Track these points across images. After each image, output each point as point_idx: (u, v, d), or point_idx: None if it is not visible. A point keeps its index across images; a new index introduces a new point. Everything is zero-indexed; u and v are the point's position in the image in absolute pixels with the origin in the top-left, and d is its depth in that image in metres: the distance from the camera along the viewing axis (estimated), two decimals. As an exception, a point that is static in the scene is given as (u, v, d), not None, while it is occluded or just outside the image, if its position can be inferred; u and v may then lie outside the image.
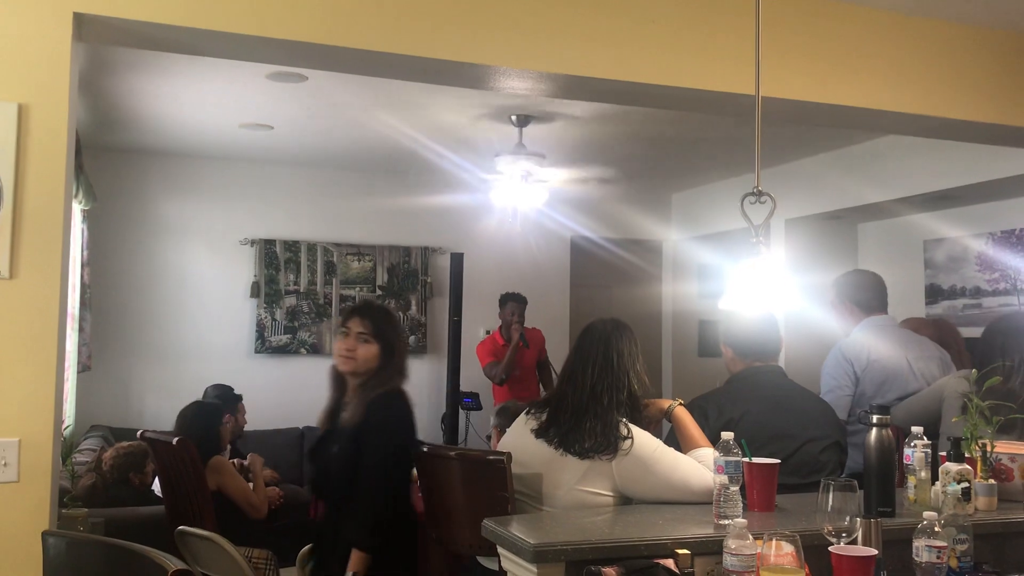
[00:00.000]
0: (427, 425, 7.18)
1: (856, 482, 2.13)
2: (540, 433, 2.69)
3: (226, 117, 5.63)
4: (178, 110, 5.46)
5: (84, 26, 2.69)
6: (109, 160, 6.50)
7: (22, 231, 2.52)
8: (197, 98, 5.20)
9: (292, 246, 7.08)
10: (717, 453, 2.36)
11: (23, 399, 2.50)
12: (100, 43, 2.98)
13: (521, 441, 2.74)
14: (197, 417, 4.30)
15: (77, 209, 5.25)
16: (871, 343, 3.83)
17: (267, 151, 6.61)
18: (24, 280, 2.52)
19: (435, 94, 4.91)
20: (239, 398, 5.34)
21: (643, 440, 2.59)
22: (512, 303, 6.59)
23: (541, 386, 6.73)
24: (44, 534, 1.88)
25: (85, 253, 5.51)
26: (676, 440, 2.79)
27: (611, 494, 2.58)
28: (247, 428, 5.57)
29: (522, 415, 2.83)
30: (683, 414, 2.80)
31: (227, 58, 3.14)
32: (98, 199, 5.76)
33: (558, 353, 6.62)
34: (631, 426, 2.61)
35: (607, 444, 2.57)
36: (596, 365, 2.70)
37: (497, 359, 6.48)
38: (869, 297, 3.98)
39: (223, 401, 5.01)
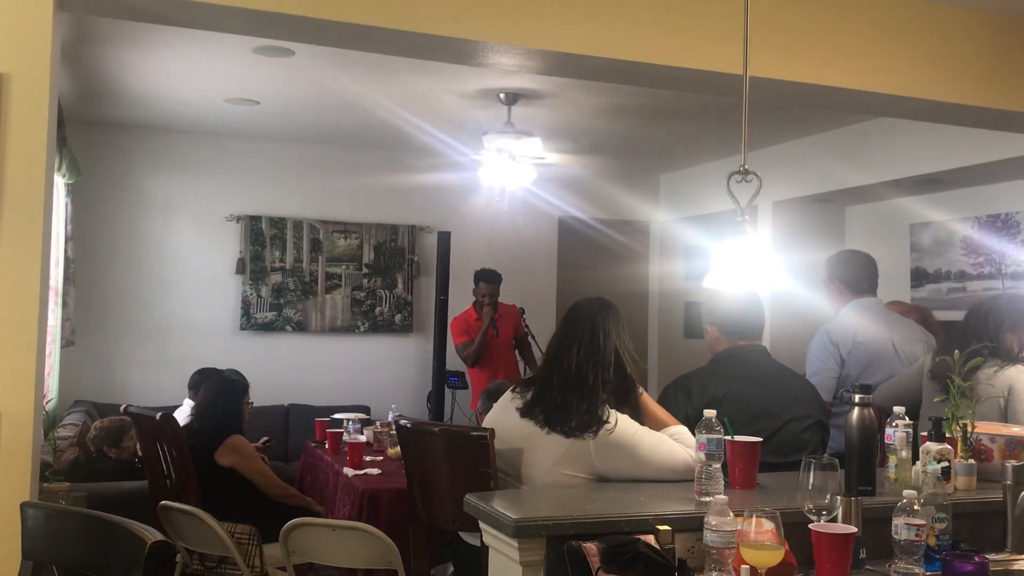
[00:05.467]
0: (413, 403, 7.19)
1: (837, 461, 2.15)
2: (525, 412, 2.69)
3: (212, 91, 5.58)
4: (163, 84, 5.41)
5: (66, -5, 2.66)
6: (93, 134, 6.45)
7: (3, 203, 2.49)
8: (182, 72, 5.15)
9: (278, 223, 7.05)
10: (687, 431, 2.36)
11: (4, 372, 2.49)
12: (83, 13, 2.94)
13: (505, 419, 2.74)
14: (225, 389, 4.20)
15: (60, 183, 5.20)
16: (857, 325, 3.84)
17: (253, 126, 6.56)
18: (5, 253, 2.50)
19: (423, 70, 4.88)
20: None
21: (624, 423, 2.60)
22: (483, 283, 6.29)
23: (524, 365, 6.53)
24: (23, 505, 1.86)
25: (69, 227, 5.45)
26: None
27: (588, 477, 2.58)
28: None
29: (508, 392, 2.83)
30: (645, 399, 2.79)
31: (211, 30, 3.10)
32: (82, 173, 5.71)
33: (544, 333, 6.62)
34: (611, 410, 2.61)
35: (592, 423, 2.57)
36: (582, 344, 2.69)
37: (470, 337, 6.24)
38: (859, 278, 3.98)
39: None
